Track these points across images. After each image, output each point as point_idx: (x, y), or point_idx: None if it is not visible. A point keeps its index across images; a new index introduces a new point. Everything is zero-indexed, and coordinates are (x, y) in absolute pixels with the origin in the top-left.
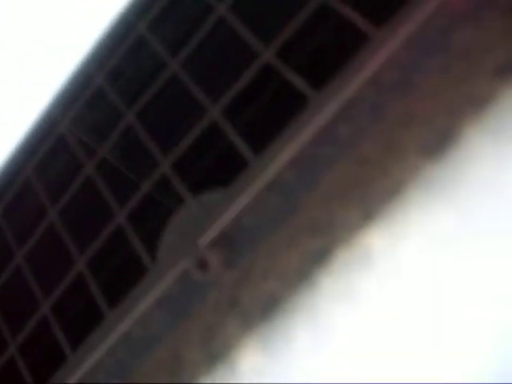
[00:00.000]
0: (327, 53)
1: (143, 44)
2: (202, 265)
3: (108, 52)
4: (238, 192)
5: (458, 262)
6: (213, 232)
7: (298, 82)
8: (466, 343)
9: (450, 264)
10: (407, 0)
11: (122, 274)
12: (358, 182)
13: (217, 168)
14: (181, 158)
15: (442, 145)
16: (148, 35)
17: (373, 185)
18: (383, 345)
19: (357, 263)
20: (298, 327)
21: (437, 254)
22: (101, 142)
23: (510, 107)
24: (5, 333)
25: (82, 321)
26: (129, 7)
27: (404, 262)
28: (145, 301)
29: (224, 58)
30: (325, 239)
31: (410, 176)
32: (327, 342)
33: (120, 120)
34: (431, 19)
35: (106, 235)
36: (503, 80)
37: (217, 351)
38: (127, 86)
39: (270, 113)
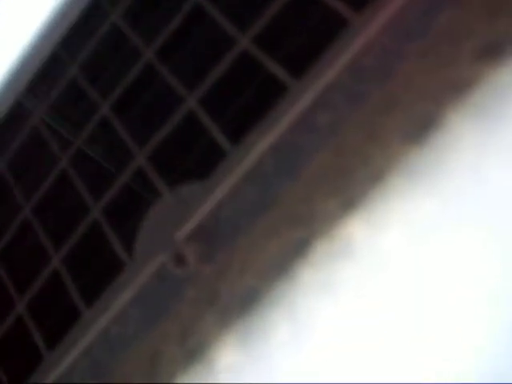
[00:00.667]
0: (306, 39)
1: (117, 34)
2: (180, 259)
3: (82, 42)
4: (216, 184)
5: (440, 249)
6: (190, 225)
7: (276, 69)
8: (450, 334)
9: (433, 252)
10: None
11: (98, 270)
12: (338, 170)
13: (194, 159)
14: (157, 150)
15: (424, 131)
16: (122, 24)
17: (353, 173)
18: (365, 338)
19: (338, 254)
20: (277, 322)
21: (419, 242)
22: (76, 135)
23: (492, 91)
24: None
25: (59, 319)
26: None
27: (386, 251)
28: (121, 298)
29: (200, 46)
30: (305, 230)
31: (392, 163)
32: (307, 336)
33: (95, 112)
34: (411, 3)
35: (81, 231)
36: (485, 63)
37: (195, 348)
38: (102, 77)
39: (247, 102)
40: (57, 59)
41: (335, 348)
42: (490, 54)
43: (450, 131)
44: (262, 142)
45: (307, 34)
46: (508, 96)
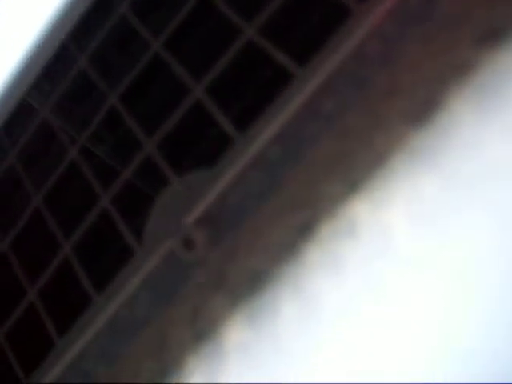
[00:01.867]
0: (310, 27)
1: (125, 25)
2: (188, 244)
3: (89, 34)
4: (223, 171)
5: (443, 228)
6: (198, 211)
7: (282, 58)
8: (453, 314)
9: (436, 231)
10: None
11: (109, 258)
12: (341, 154)
13: (202, 148)
14: (165, 139)
15: (426, 114)
16: (130, 16)
17: (357, 156)
18: (370, 317)
19: (342, 234)
20: (284, 301)
21: (422, 222)
22: (85, 125)
23: (492, 74)
24: None
25: (70, 306)
26: None
27: (389, 230)
28: (131, 283)
29: (206, 36)
30: (310, 212)
31: (395, 145)
32: (314, 315)
33: (103, 102)
34: None
35: (91, 219)
36: (485, 47)
37: (204, 329)
38: (110, 68)
39: (254, 91)
40: (65, 51)
41: (340, 326)
42: (490, 38)
43: (451, 113)
44: (268, 130)
45: (312, 23)
46: (506, 80)
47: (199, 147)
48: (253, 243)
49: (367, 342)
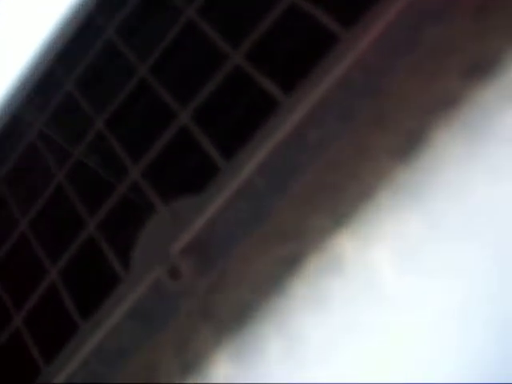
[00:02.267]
0: (297, 55)
1: (112, 49)
2: (175, 273)
3: (76, 58)
4: (210, 199)
5: (428, 264)
6: (185, 239)
7: (268, 84)
8: (438, 348)
9: (420, 267)
10: (375, 0)
11: (95, 284)
12: (328, 186)
13: (188, 174)
14: (151, 165)
15: (412, 148)
16: (116, 40)
17: (343, 189)
18: (357, 351)
19: (328, 269)
20: (270, 337)
21: (408, 257)
22: (71, 149)
23: (478, 109)
24: None
25: (56, 332)
26: (98, 10)
27: (375, 266)
28: (118, 311)
29: (193, 62)
30: (296, 245)
31: (381, 179)
32: (299, 351)
33: (90, 127)
34: (400, 19)
35: (77, 245)
36: (471, 81)
37: (191, 360)
38: (97, 92)
39: (240, 116)
40: (53, 74)
41: (325, 364)
42: (476, 72)
43: (436, 148)
44: (254, 158)
45: (298, 49)
46: (493, 115)
47: (185, 174)
48: (239, 273)
49: (352, 379)
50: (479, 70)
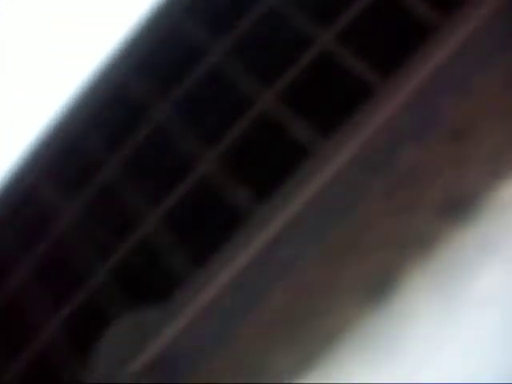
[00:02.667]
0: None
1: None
2: None
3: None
4: (175, 314)
5: None
6: (147, 356)
7: (240, 193)
8: None
9: None
10: (351, 116)
11: None
12: (293, 319)
13: (152, 280)
14: (115, 268)
15: (382, 290)
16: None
17: (307, 323)
18: None
19: None
20: None
21: None
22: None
23: (452, 249)
24: None
25: None
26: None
27: None
28: None
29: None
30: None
31: (348, 326)
32: None
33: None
34: (376, 136)
35: (31, 353)
36: (446, 219)
37: None
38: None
39: (210, 229)
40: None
41: None
42: (451, 209)
43: (407, 291)
44: (222, 274)
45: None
46: (467, 256)
47: (150, 281)
48: None
49: None
50: (453, 207)
